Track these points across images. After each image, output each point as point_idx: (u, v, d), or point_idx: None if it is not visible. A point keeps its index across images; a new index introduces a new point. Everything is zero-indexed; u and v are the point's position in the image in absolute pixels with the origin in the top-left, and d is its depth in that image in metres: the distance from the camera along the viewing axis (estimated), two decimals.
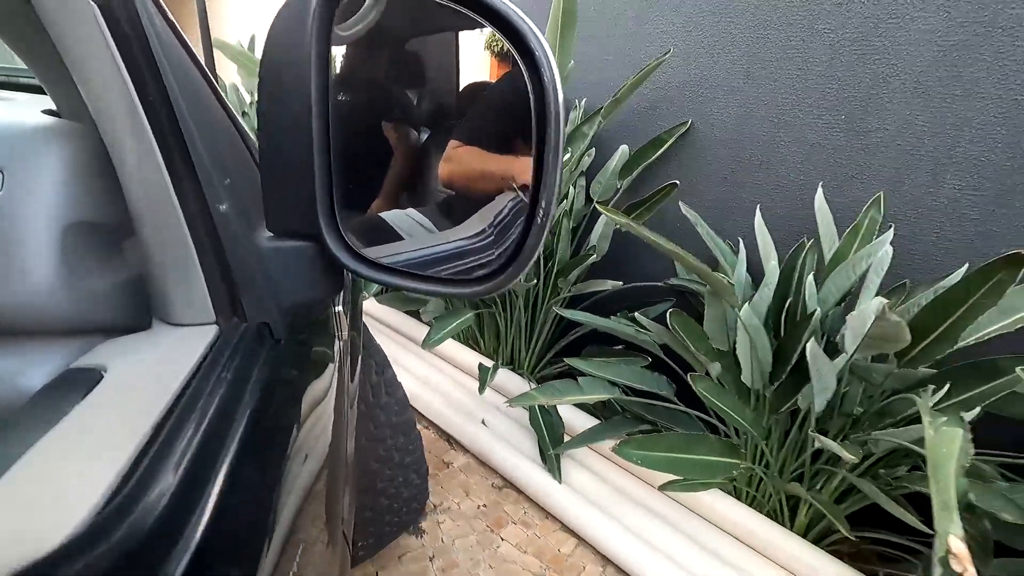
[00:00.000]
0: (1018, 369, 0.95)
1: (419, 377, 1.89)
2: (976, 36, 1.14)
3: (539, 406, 1.56)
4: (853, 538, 1.16)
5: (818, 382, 1.10)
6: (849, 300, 1.21)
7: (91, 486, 0.27)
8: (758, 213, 1.39)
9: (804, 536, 1.25)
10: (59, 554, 0.24)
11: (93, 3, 0.36)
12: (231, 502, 0.31)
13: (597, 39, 1.75)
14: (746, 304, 1.22)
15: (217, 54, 3.03)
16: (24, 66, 0.49)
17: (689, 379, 1.25)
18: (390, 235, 0.57)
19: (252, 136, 0.57)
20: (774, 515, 1.30)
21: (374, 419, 0.78)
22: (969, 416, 0.97)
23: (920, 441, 0.88)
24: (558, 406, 1.59)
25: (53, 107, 0.49)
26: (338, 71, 0.47)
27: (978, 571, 0.74)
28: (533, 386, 1.58)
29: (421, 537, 1.40)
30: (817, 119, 1.38)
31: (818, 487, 1.24)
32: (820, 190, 1.35)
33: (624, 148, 1.62)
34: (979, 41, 1.13)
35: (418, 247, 0.56)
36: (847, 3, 1.28)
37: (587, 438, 1.50)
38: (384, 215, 0.57)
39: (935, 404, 1.01)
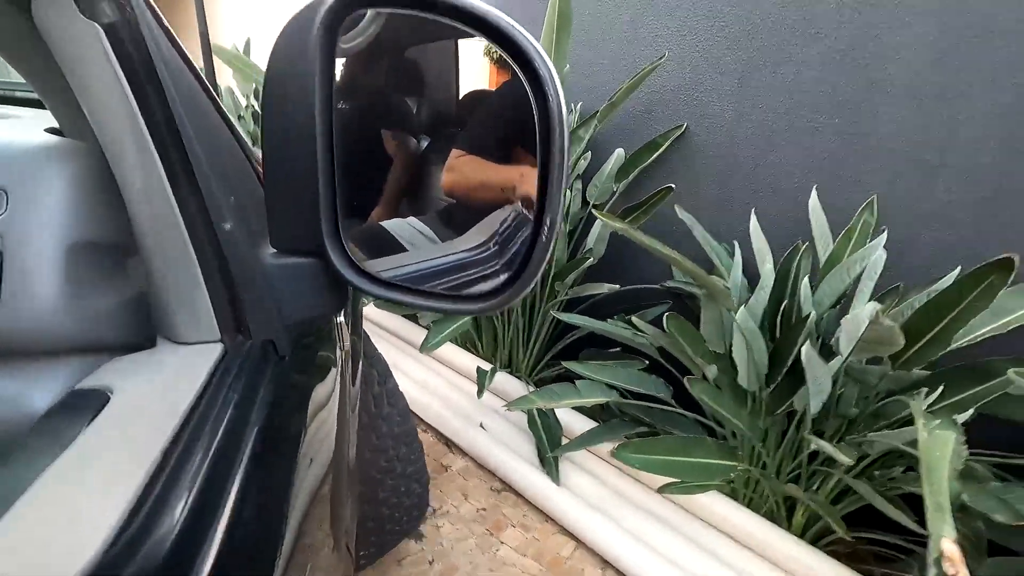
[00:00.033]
0: (1010, 371, 0.96)
1: (417, 381, 1.90)
2: (969, 42, 1.15)
3: (537, 409, 1.57)
4: (849, 538, 1.18)
5: (813, 384, 1.11)
6: (844, 303, 1.23)
7: (103, 518, 0.27)
8: (753, 216, 1.40)
9: (801, 536, 1.26)
10: None
11: (97, 24, 0.36)
12: (241, 530, 0.31)
13: (593, 43, 1.75)
14: (742, 307, 1.23)
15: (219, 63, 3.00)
16: (22, 80, 0.49)
17: (686, 382, 1.26)
18: (392, 246, 0.57)
19: (255, 151, 0.57)
20: (772, 516, 1.31)
21: (376, 430, 0.78)
22: (963, 418, 0.98)
23: (914, 443, 0.90)
24: (556, 409, 1.60)
25: (55, 125, 0.48)
26: (340, 83, 0.47)
27: (972, 571, 0.75)
28: (531, 389, 1.59)
29: (420, 541, 1.40)
30: (811, 123, 1.39)
31: (815, 488, 1.26)
32: (814, 192, 1.36)
33: (620, 151, 1.63)
34: (972, 47, 1.15)
35: (421, 259, 0.56)
36: (841, 9, 1.29)
37: (585, 441, 1.50)
38: (385, 224, 0.57)
39: (930, 406, 1.02)
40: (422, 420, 1.82)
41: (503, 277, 0.49)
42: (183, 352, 0.44)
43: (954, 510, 0.78)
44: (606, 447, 1.46)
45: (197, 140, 0.42)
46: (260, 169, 0.53)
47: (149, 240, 0.43)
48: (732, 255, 1.46)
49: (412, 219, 0.59)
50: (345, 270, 0.47)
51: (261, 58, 3.19)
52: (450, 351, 1.97)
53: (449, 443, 1.75)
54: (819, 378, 1.10)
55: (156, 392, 0.39)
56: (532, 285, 0.43)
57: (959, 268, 1.13)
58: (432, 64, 0.59)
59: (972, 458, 0.98)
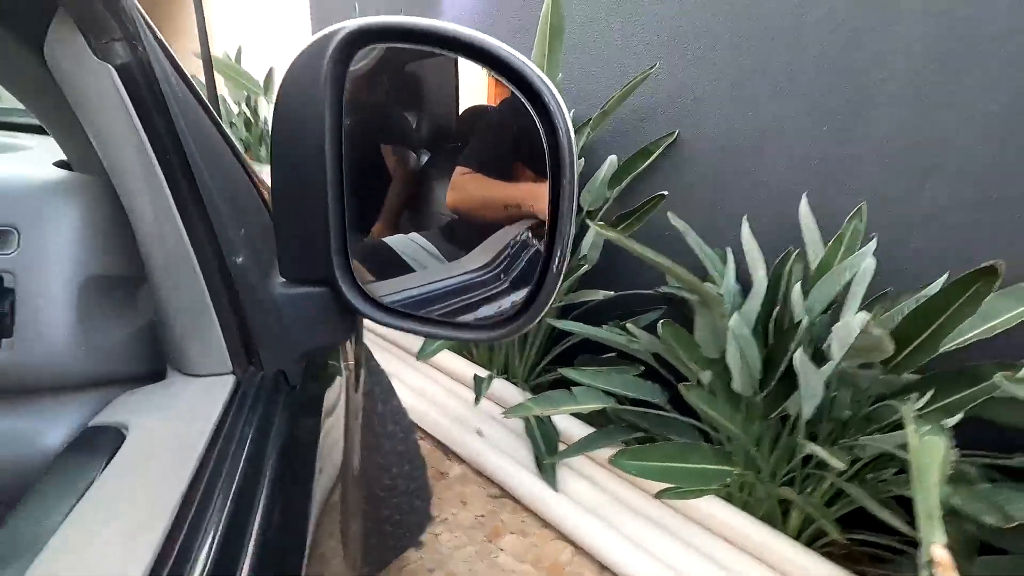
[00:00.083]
0: (997, 375, 0.99)
1: (414, 388, 1.90)
2: (960, 48, 1.16)
3: (534, 416, 1.58)
4: (844, 540, 1.20)
5: (806, 389, 1.13)
6: (835, 308, 1.25)
7: (129, 570, 0.27)
8: (745, 223, 1.42)
9: (797, 538, 1.29)
10: None
11: (110, 66, 0.36)
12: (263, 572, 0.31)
13: (585, 52, 1.76)
14: (735, 314, 1.25)
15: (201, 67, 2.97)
16: (20, 105, 0.49)
17: (681, 389, 1.28)
18: (397, 265, 0.57)
19: (263, 179, 0.57)
20: (768, 519, 1.33)
21: (379, 449, 0.78)
22: (952, 421, 1.01)
23: (905, 446, 0.92)
24: (553, 415, 1.61)
25: (62, 156, 0.48)
26: (346, 105, 0.47)
27: (963, 571, 0.77)
28: (528, 395, 1.59)
29: (420, 549, 1.41)
30: (802, 129, 1.41)
31: (809, 491, 1.28)
32: (804, 199, 1.38)
33: (613, 158, 1.64)
34: (963, 53, 1.16)
35: (427, 281, 0.56)
36: (832, 15, 1.31)
37: (582, 447, 1.52)
38: (389, 240, 0.57)
39: (920, 408, 1.04)
40: (419, 427, 1.82)
41: (511, 297, 0.50)
42: (195, 385, 0.44)
43: (945, 514, 0.80)
44: (603, 452, 1.48)
45: (208, 175, 0.42)
46: (267, 198, 0.53)
47: (161, 274, 0.43)
48: (725, 260, 1.48)
49: (415, 235, 0.59)
50: (355, 299, 0.47)
51: (252, 66, 3.17)
52: (446, 358, 1.97)
53: (447, 450, 1.75)
54: (811, 383, 1.12)
55: (171, 429, 0.39)
56: (543, 314, 0.44)
57: (947, 274, 1.16)
58: (432, 78, 0.60)
59: (962, 459, 1.01)
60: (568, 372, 1.49)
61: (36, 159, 0.51)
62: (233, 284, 0.44)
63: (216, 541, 0.31)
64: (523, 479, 1.53)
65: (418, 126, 0.64)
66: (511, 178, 0.53)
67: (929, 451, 0.87)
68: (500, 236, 0.55)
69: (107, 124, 0.38)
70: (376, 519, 0.79)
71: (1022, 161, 1.13)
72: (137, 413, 0.40)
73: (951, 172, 1.22)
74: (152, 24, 0.40)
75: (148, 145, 0.39)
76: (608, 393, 1.44)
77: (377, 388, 0.82)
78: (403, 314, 0.48)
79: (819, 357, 1.17)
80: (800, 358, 1.09)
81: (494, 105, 0.57)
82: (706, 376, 1.34)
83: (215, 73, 2.54)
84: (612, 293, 1.62)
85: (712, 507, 1.35)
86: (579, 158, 1.67)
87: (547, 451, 1.54)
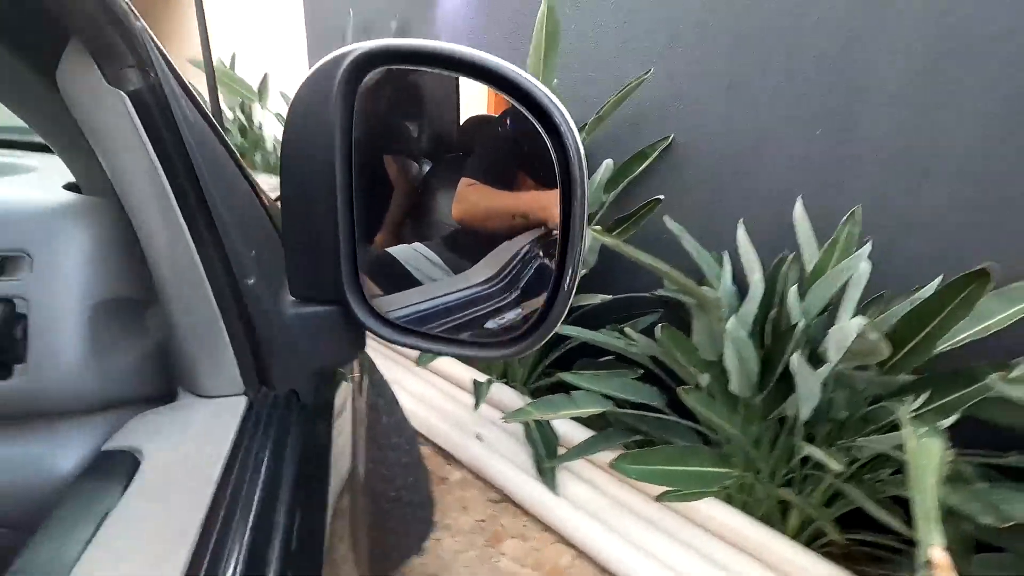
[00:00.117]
0: (991, 376, 1.01)
1: (414, 394, 1.90)
2: (957, 51, 1.17)
3: (534, 420, 1.58)
4: (843, 540, 1.22)
5: (803, 391, 1.15)
6: (831, 310, 1.26)
7: None
8: (741, 226, 1.43)
9: (796, 539, 1.30)
10: None
11: (123, 92, 0.36)
12: None
13: (581, 56, 1.77)
14: (732, 317, 1.26)
15: (197, 72, 2.95)
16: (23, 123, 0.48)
17: (679, 392, 1.29)
18: (403, 277, 0.57)
19: (272, 199, 0.57)
20: (767, 520, 1.34)
21: (384, 461, 0.79)
22: (948, 422, 1.02)
23: (902, 447, 0.93)
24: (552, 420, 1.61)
25: (71, 179, 0.48)
26: (356, 128, 0.47)
27: (960, 570, 0.78)
28: (527, 400, 1.60)
29: (421, 555, 1.41)
30: (798, 132, 1.42)
31: (808, 492, 1.29)
32: (799, 202, 1.39)
33: (609, 162, 1.65)
34: (960, 55, 1.17)
35: (435, 295, 0.57)
36: (828, 18, 1.32)
37: (582, 450, 1.52)
38: (393, 251, 0.57)
39: (916, 409, 1.06)
40: (419, 433, 1.82)
41: (518, 310, 0.50)
42: (208, 407, 0.44)
43: (942, 515, 0.81)
44: (603, 456, 1.49)
45: (219, 197, 0.42)
46: (274, 216, 0.53)
47: (172, 296, 0.43)
48: (721, 264, 1.49)
49: (419, 246, 0.59)
50: (366, 317, 0.47)
51: (246, 72, 3.15)
52: (446, 363, 1.97)
53: (447, 455, 1.75)
54: (808, 385, 1.13)
55: (186, 453, 0.39)
56: (554, 331, 0.44)
57: (941, 276, 1.17)
58: (433, 87, 0.60)
59: (961, 458, 1.02)
60: (567, 376, 1.50)
61: (44, 181, 0.51)
62: (244, 305, 0.44)
63: (239, 565, 0.31)
64: (523, 483, 1.53)
65: (420, 136, 0.64)
66: (515, 188, 0.54)
67: (926, 452, 0.88)
68: (506, 247, 0.55)
69: (119, 149, 0.38)
70: (381, 530, 0.79)
71: (1020, 162, 1.15)
72: (150, 437, 0.40)
73: (949, 173, 1.23)
74: (162, 47, 0.40)
75: (160, 169, 0.39)
76: (607, 397, 1.45)
77: (381, 400, 0.82)
78: (412, 331, 0.49)
79: (816, 359, 1.18)
80: (797, 360, 1.10)
81: (496, 115, 0.57)
82: (704, 379, 1.35)
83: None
84: (609, 297, 1.62)
85: (712, 509, 1.36)
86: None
87: (547, 455, 1.55)
